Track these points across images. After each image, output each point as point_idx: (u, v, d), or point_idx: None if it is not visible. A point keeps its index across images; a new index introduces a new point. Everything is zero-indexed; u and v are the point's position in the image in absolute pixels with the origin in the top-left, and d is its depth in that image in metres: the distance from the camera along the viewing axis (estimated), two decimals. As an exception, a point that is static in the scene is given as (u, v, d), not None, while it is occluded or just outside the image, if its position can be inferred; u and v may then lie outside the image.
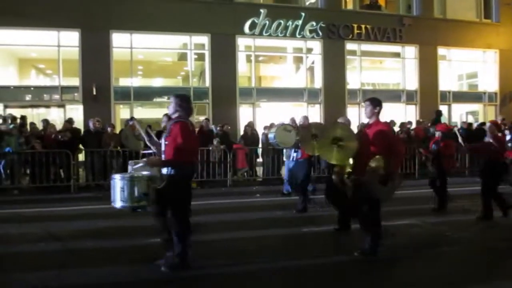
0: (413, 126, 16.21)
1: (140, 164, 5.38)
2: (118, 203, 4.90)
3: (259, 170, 13.94)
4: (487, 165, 7.91)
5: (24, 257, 5.71)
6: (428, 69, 19.98)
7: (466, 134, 15.39)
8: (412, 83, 20.05)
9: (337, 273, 5.16)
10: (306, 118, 9.62)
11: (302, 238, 6.85)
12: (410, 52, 20.05)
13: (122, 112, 17.49)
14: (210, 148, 12.77)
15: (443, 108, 19.75)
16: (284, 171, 13.78)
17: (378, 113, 5.58)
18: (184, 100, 5.19)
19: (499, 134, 8.24)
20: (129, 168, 5.72)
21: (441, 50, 20.43)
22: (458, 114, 21.28)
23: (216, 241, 6.43)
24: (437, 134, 9.23)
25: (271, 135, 8.91)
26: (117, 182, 4.86)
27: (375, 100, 5.62)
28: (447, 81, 20.69)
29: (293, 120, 10.71)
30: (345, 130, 5.72)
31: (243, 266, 5.32)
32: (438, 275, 5.04)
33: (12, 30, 16.05)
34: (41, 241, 6.37)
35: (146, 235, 6.29)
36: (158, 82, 20.90)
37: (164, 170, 4.94)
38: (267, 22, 17.57)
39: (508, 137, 14.35)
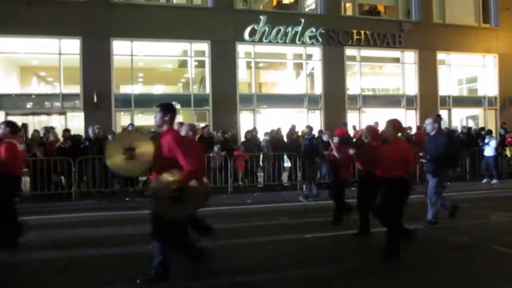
0: (414, 131, 16.23)
1: None
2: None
3: (260, 177, 13.94)
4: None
5: (25, 265, 5.72)
6: (428, 74, 20.01)
7: (466, 138, 15.48)
8: (412, 88, 20.08)
9: (331, 282, 5.16)
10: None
11: (303, 244, 6.85)
12: (410, 57, 20.10)
13: (123, 119, 17.53)
14: (211, 154, 12.79)
15: (443, 113, 19.76)
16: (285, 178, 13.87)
17: (170, 120, 4.92)
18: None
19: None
20: None
21: (441, 55, 20.48)
22: (458, 119, 21.31)
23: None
24: (335, 139, 8.54)
25: None
26: None
27: (165, 107, 4.98)
28: (447, 85, 20.71)
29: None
30: (137, 139, 5.04)
31: (245, 275, 5.33)
32: (440, 281, 5.05)
33: (13, 38, 16.12)
34: (43, 248, 6.39)
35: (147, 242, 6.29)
36: (158, 89, 20.97)
37: None
38: (267, 28, 17.64)
39: (487, 141, 14.50)
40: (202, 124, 15.78)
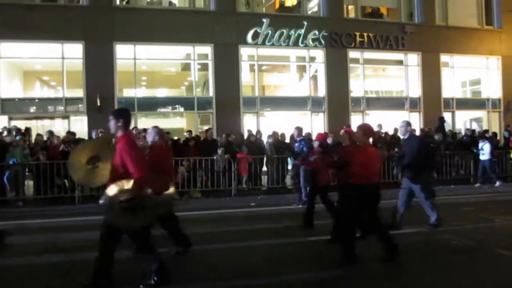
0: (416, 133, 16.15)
1: None
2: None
3: (264, 179, 13.89)
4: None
5: (28, 268, 5.70)
6: (431, 76, 19.96)
7: (470, 141, 15.40)
8: (415, 90, 20.03)
9: (335, 284, 5.13)
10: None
11: (307, 247, 6.80)
12: (413, 59, 20.06)
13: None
14: (215, 157, 12.76)
15: (447, 115, 19.68)
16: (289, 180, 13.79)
17: (124, 125, 4.72)
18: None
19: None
20: None
21: (444, 57, 20.42)
22: (462, 121, 21.23)
23: (220, 251, 6.40)
24: (316, 144, 8.32)
25: None
26: None
27: (116, 112, 4.82)
28: (450, 88, 20.65)
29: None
30: (100, 146, 4.90)
31: (247, 279, 5.28)
32: (443, 284, 5.01)
33: (16, 43, 16.21)
34: (46, 252, 6.36)
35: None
36: (162, 92, 20.98)
37: None
38: (270, 31, 17.64)
39: (481, 145, 14.36)
40: (205, 127, 15.76)
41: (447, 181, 14.30)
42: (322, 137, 8.40)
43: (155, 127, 6.44)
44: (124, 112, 4.86)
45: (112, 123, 4.73)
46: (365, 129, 5.86)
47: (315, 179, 7.83)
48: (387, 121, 17.14)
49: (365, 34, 18.86)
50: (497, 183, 14.11)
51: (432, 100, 19.83)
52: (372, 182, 5.63)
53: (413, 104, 19.92)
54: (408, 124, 7.82)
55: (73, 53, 16.30)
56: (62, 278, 5.20)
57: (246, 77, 18.44)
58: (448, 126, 18.66)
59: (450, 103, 20.46)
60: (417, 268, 5.56)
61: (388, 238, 5.76)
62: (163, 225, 6.01)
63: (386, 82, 21.98)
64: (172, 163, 6.80)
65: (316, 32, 18.17)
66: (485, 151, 14.20)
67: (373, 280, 5.20)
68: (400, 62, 20.35)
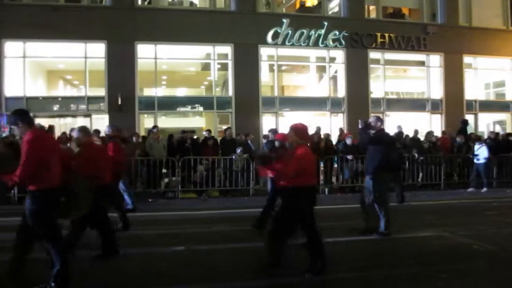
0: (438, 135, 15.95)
1: None
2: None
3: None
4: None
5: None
6: (454, 77, 19.64)
7: (494, 144, 15.08)
8: (437, 92, 19.74)
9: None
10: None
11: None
12: (435, 60, 19.77)
13: (146, 122, 17.73)
14: (233, 157, 12.80)
15: (470, 118, 19.33)
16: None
17: (27, 124, 4.74)
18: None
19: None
20: None
21: (467, 58, 20.08)
22: (485, 124, 20.84)
23: (236, 250, 6.42)
24: (276, 144, 7.88)
25: None
26: None
27: (10, 117, 4.87)
28: (473, 90, 20.29)
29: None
30: None
31: (258, 279, 5.28)
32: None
33: (40, 43, 16.55)
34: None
35: (165, 244, 6.33)
36: (181, 92, 21.13)
37: None
38: (290, 31, 17.61)
39: (477, 148, 13.93)
40: (224, 127, 15.82)
41: (468, 184, 14.06)
42: (281, 137, 7.29)
43: (82, 126, 6.68)
44: (18, 112, 4.87)
45: (16, 129, 4.82)
46: (296, 129, 5.38)
47: (274, 181, 7.24)
48: (408, 123, 16.94)
49: (386, 35, 18.67)
50: (484, 189, 13.51)
51: (454, 102, 19.52)
52: (308, 184, 5.25)
53: (435, 106, 19.64)
54: (378, 119, 7.56)
55: (95, 52, 16.55)
56: (81, 275, 5.28)
57: (265, 77, 18.45)
58: (470, 129, 18.35)
59: (473, 105, 20.10)
60: (436, 273, 5.45)
61: (320, 248, 5.36)
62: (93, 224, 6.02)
63: (407, 83, 21.72)
64: (106, 158, 6.68)
65: (337, 32, 18.07)
66: (480, 155, 13.69)
67: (390, 283, 5.14)
68: (421, 63, 20.09)
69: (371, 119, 7.66)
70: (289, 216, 5.21)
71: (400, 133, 14.72)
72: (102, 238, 6.01)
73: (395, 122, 17.03)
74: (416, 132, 15.20)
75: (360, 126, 7.49)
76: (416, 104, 20.15)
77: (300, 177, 5.11)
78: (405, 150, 13.47)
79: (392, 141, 8.18)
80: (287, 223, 5.22)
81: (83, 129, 6.45)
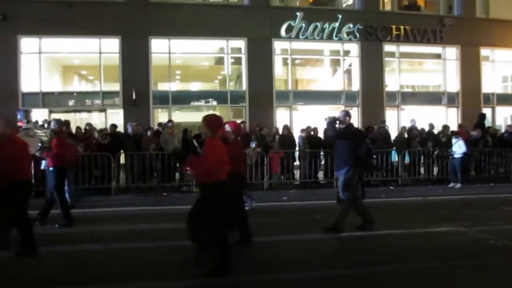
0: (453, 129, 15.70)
1: None
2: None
3: (296, 174, 13.82)
4: None
5: (67, 256, 5.87)
6: (471, 70, 19.35)
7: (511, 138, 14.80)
8: (453, 85, 19.48)
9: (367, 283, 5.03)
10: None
11: (337, 243, 6.74)
12: (451, 53, 19.50)
13: (160, 116, 17.80)
14: (247, 151, 12.77)
15: (487, 111, 19.02)
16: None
17: None
18: None
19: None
20: None
21: (484, 51, 19.78)
22: (502, 117, 20.49)
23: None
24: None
25: None
26: None
27: None
28: (491, 83, 19.99)
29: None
30: None
31: (273, 273, 5.27)
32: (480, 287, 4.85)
33: (56, 39, 16.71)
34: (84, 241, 6.53)
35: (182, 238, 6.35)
36: (195, 86, 21.18)
37: None
38: (304, 25, 17.50)
39: (454, 142, 13.49)
40: (238, 121, 15.78)
41: (486, 179, 13.84)
42: (233, 126, 6.70)
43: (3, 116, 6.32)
44: None
45: None
46: (207, 120, 5.11)
47: None
48: (424, 117, 16.75)
49: (402, 27, 18.46)
50: (458, 185, 12.97)
51: (471, 95, 19.25)
52: (221, 178, 4.97)
53: (451, 99, 19.38)
54: (346, 114, 7.27)
55: (110, 48, 16.66)
56: (98, 266, 5.33)
57: (279, 71, 18.39)
58: (487, 123, 18.06)
59: (490, 98, 19.81)
60: (452, 268, 5.38)
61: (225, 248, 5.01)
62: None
63: (422, 76, 21.47)
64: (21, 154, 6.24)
65: (351, 25, 17.91)
66: (457, 150, 13.06)
67: (407, 278, 5.09)
68: (437, 56, 19.83)
69: (340, 114, 7.39)
70: (211, 212, 4.94)
71: (413, 128, 14.57)
72: (20, 235, 5.81)
73: (410, 116, 16.88)
74: (431, 126, 15.00)
75: (327, 121, 7.32)
76: (431, 98, 19.93)
77: (214, 171, 4.87)
78: (373, 146, 13.04)
79: (361, 136, 7.89)
80: (212, 218, 4.95)
81: (6, 121, 6.01)
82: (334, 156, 7.80)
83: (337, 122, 7.24)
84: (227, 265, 4.93)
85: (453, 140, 13.37)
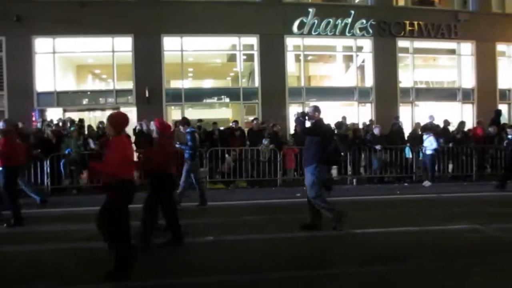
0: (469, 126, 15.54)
1: None
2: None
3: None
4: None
5: (79, 253, 5.92)
6: (486, 66, 19.05)
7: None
8: (468, 81, 19.21)
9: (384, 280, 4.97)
10: None
11: (349, 240, 6.70)
12: (466, 48, 19.22)
13: (173, 114, 17.88)
14: (260, 147, 12.78)
15: (503, 107, 18.75)
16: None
17: None
18: None
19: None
20: None
21: (500, 46, 19.46)
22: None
23: (265, 241, 6.42)
24: (155, 133, 6.85)
25: None
26: None
27: None
28: (507, 78, 19.64)
29: None
30: None
31: (288, 272, 5.25)
32: (493, 285, 4.77)
33: (69, 38, 16.84)
34: (94, 239, 6.53)
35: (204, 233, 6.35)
36: (208, 83, 21.22)
37: None
38: (316, 21, 17.39)
39: (425, 137, 13.15)
40: (251, 117, 15.81)
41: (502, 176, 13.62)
42: (159, 124, 6.66)
43: None
44: None
45: None
46: (111, 119, 5.07)
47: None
48: (438, 113, 16.54)
49: (415, 23, 18.23)
50: (428, 183, 12.68)
51: (486, 91, 18.94)
52: (126, 177, 4.87)
53: (466, 95, 19.12)
54: (316, 109, 7.07)
55: (123, 46, 16.74)
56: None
57: (291, 67, 18.32)
58: (503, 119, 17.80)
59: (506, 94, 19.50)
60: (469, 266, 5.28)
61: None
62: None
63: (437, 72, 21.16)
64: None
65: (364, 21, 17.75)
66: (429, 146, 12.78)
67: (423, 275, 5.03)
68: (452, 52, 19.56)
69: (309, 109, 7.23)
70: (115, 213, 4.83)
71: (429, 124, 14.39)
72: None
73: (424, 112, 16.71)
74: (446, 122, 14.83)
75: (296, 116, 7.18)
76: (446, 94, 19.69)
77: (119, 170, 4.77)
78: (341, 143, 12.73)
79: (330, 132, 7.65)
80: (118, 221, 4.83)
81: None
82: (303, 152, 7.59)
83: (306, 117, 7.04)
84: (125, 268, 4.79)
85: (424, 136, 13.07)
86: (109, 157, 4.89)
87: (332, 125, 10.61)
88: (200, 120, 14.18)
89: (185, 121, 9.64)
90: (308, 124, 7.05)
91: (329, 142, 6.97)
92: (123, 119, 5.12)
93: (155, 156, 6.10)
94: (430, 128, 13.65)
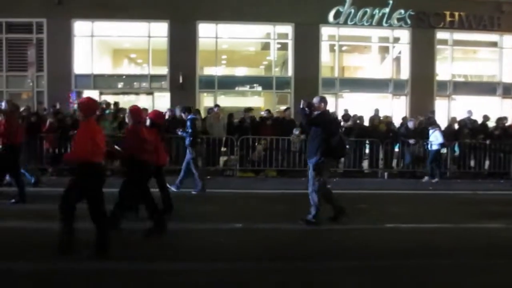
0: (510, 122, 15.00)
1: None
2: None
3: (341, 162, 13.62)
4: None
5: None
6: (529, 60, 18.37)
7: None
8: (510, 75, 18.55)
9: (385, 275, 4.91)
10: None
11: (379, 233, 6.62)
12: (509, 41, 18.54)
13: (206, 100, 18.01)
14: (291, 138, 12.73)
15: (547, 103, 18.08)
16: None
17: None
18: None
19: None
20: None
21: (545, 39, 18.68)
22: None
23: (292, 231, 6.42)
24: (148, 122, 6.95)
25: None
26: None
27: None
28: (551, 73, 18.88)
29: None
30: None
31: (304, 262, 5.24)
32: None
33: (107, 23, 17.15)
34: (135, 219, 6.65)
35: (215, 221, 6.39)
36: (241, 71, 21.21)
37: None
38: (353, 10, 17.10)
39: (431, 132, 12.54)
40: (283, 107, 15.74)
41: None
42: (154, 115, 7.11)
43: None
44: None
45: None
46: (81, 104, 5.30)
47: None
48: (476, 108, 16.06)
49: (456, 14, 17.69)
50: (426, 179, 12.25)
51: (529, 86, 18.29)
52: (92, 160, 4.96)
53: (507, 90, 18.50)
54: (321, 100, 6.91)
55: (158, 32, 16.95)
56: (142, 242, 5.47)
57: (325, 57, 18.12)
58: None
59: (549, 90, 18.77)
60: (500, 267, 5.15)
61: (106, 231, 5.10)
62: None
63: (476, 65, 20.52)
64: None
65: (402, 11, 17.34)
66: (434, 141, 12.29)
67: (450, 272, 4.93)
68: (494, 44, 18.91)
69: (315, 99, 6.99)
70: (78, 193, 4.99)
71: (466, 119, 14.00)
72: None
73: (461, 107, 16.25)
74: (485, 118, 14.36)
75: (301, 106, 6.95)
76: (485, 88, 19.08)
77: (84, 153, 4.91)
78: (346, 135, 12.37)
79: (335, 124, 7.42)
80: (72, 200, 5.00)
81: None
82: (307, 144, 7.45)
83: (312, 108, 6.85)
84: (105, 247, 4.97)
85: (430, 131, 12.65)
86: (77, 141, 5.17)
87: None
88: (249, 109, 13.88)
89: (186, 108, 9.90)
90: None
91: (334, 134, 6.79)
92: (93, 104, 5.39)
93: (126, 142, 6.23)
94: (435, 122, 13.35)
